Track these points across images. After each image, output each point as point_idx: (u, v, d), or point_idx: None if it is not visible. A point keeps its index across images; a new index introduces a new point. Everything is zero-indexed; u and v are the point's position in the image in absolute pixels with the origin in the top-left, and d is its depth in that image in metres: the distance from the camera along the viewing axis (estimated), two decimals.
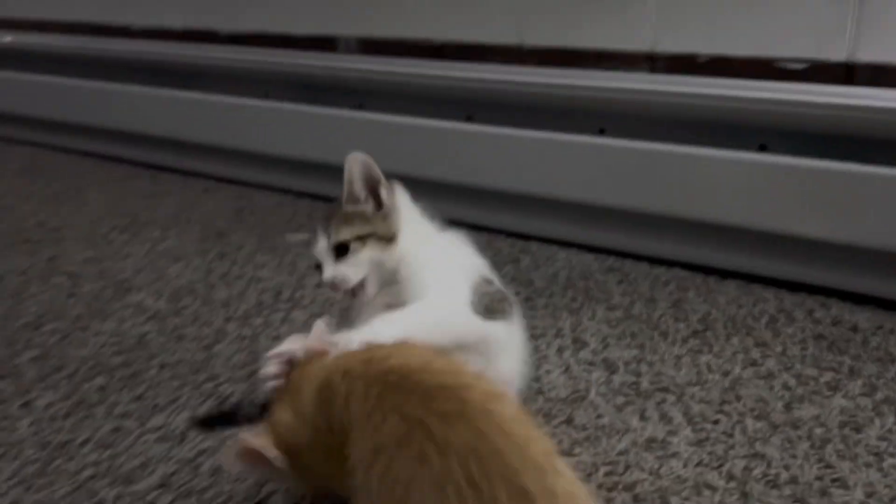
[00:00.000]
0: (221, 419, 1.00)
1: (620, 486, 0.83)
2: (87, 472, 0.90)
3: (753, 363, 1.03)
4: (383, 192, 0.91)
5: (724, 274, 1.27)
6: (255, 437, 0.72)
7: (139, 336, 1.18)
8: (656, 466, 0.85)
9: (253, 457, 0.72)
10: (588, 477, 0.84)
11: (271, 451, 0.71)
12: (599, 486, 0.83)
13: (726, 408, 0.94)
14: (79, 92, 2.02)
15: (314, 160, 1.66)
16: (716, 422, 0.92)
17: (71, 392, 1.05)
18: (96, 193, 1.80)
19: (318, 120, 1.64)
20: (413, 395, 0.65)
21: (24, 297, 1.33)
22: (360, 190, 0.90)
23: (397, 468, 0.60)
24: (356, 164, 0.90)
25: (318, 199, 1.70)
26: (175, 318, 1.23)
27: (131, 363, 1.11)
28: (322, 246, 0.89)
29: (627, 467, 0.85)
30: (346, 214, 0.90)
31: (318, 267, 0.90)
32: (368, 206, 0.91)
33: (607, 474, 0.85)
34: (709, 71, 1.31)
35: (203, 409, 0.99)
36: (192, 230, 1.57)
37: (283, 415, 0.74)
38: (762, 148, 1.23)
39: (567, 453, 0.88)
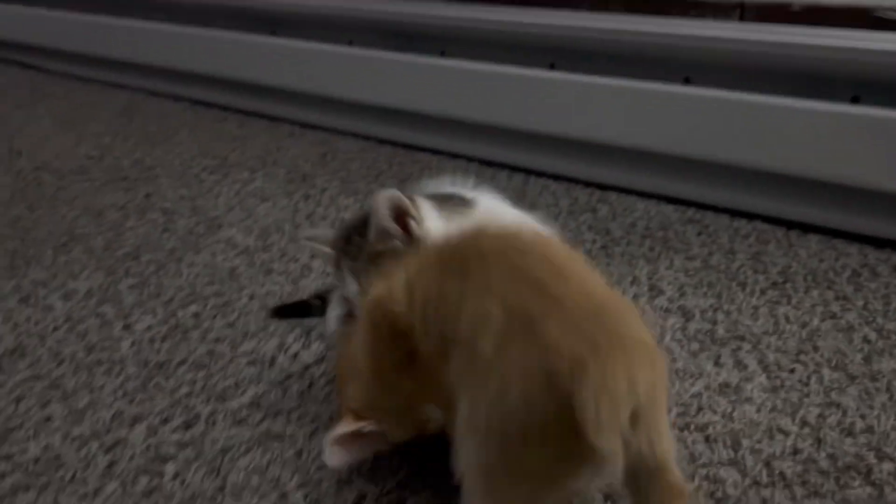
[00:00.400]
0: (294, 309, 1.07)
1: (692, 427, 0.84)
2: (184, 390, 0.97)
3: (833, 316, 1.02)
4: (413, 224, 0.85)
5: (806, 228, 1.25)
6: (339, 426, 0.75)
7: (230, 269, 1.24)
8: (729, 410, 0.86)
9: (349, 441, 0.75)
10: None
11: (358, 424, 0.74)
12: (672, 426, 0.84)
13: (803, 358, 0.94)
14: (173, 38, 2.09)
15: (396, 107, 1.69)
16: (791, 370, 0.92)
17: (167, 317, 1.13)
18: (188, 136, 1.87)
19: (401, 67, 1.66)
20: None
21: (123, 230, 1.41)
22: (391, 227, 0.84)
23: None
24: (385, 203, 0.84)
25: (399, 145, 1.73)
26: (263, 254, 1.28)
27: (223, 293, 1.18)
28: (352, 289, 0.87)
29: (700, 409, 0.87)
30: (376, 254, 0.85)
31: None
32: (398, 240, 0.84)
33: (679, 415, 0.86)
34: (802, 20, 1.27)
35: (290, 338, 1.05)
36: (279, 173, 1.62)
37: (350, 385, 0.77)
38: (855, 100, 1.19)
39: None
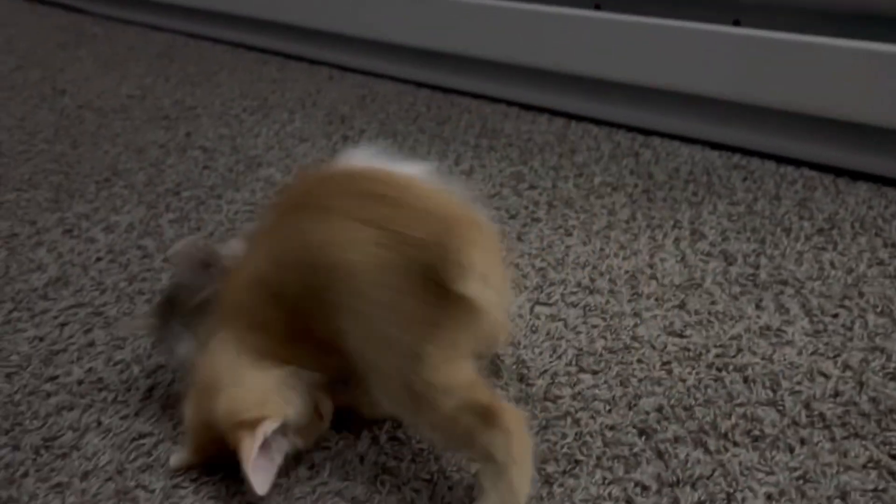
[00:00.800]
0: None
1: (731, 367, 0.83)
2: None
3: (880, 262, 0.99)
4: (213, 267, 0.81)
5: (855, 176, 1.21)
6: (245, 446, 0.67)
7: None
8: (769, 352, 0.85)
9: (263, 457, 0.68)
10: (698, 357, 0.85)
11: (260, 430, 0.67)
12: (709, 366, 0.84)
13: (847, 303, 0.92)
14: None
15: (435, 49, 1.67)
16: (835, 315, 0.90)
17: None
18: (228, 77, 1.87)
19: (440, 6, 1.63)
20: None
21: (164, 167, 1.42)
22: (194, 283, 0.81)
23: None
24: (181, 258, 0.81)
25: (438, 89, 1.71)
26: None
27: None
28: (187, 346, 0.81)
29: (739, 350, 0.86)
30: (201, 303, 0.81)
31: None
32: (210, 284, 0.80)
33: (718, 356, 0.85)
34: None
35: None
36: (318, 114, 1.62)
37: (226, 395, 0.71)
38: None
39: (678, 334, 0.89)
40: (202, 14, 2.17)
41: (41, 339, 0.96)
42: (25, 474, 0.77)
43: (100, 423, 0.82)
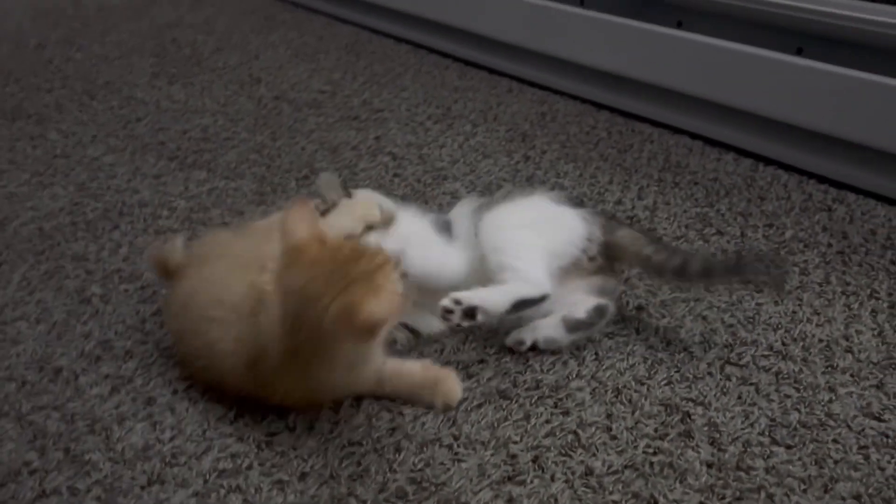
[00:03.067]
0: None
1: None
2: None
3: None
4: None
5: None
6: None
7: None
8: None
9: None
10: None
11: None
12: None
13: None
14: None
15: (621, 73, 1.68)
16: None
17: None
18: (412, 80, 1.94)
19: (633, 33, 1.64)
20: None
21: (357, 169, 1.50)
22: None
23: None
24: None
25: (617, 112, 1.72)
26: None
27: None
28: None
29: None
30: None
31: None
32: None
33: None
34: None
35: None
36: (499, 129, 1.67)
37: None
38: None
39: (876, 417, 0.89)
40: (387, 11, 2.26)
41: None
42: (250, 466, 0.86)
43: (312, 427, 0.91)
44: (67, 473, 0.85)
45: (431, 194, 1.41)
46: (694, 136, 1.59)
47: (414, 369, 0.95)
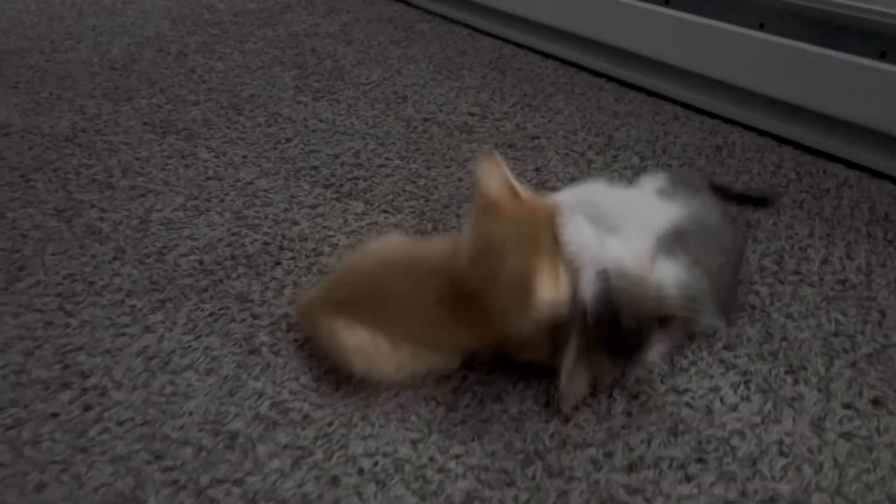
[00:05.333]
0: None
1: None
2: None
3: None
4: None
5: None
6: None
7: None
8: None
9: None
10: None
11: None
12: None
13: None
14: None
15: (810, 107, 1.51)
16: None
17: None
18: (565, 103, 1.83)
19: (825, 62, 1.47)
20: None
21: None
22: None
23: None
24: None
25: (803, 148, 1.56)
26: None
27: None
28: None
29: None
30: None
31: None
32: None
33: None
34: None
35: None
36: (671, 163, 1.53)
37: None
38: None
39: None
40: (533, 25, 2.14)
41: None
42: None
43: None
44: None
45: None
46: None
47: None
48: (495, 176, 0.90)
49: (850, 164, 1.49)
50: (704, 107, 1.75)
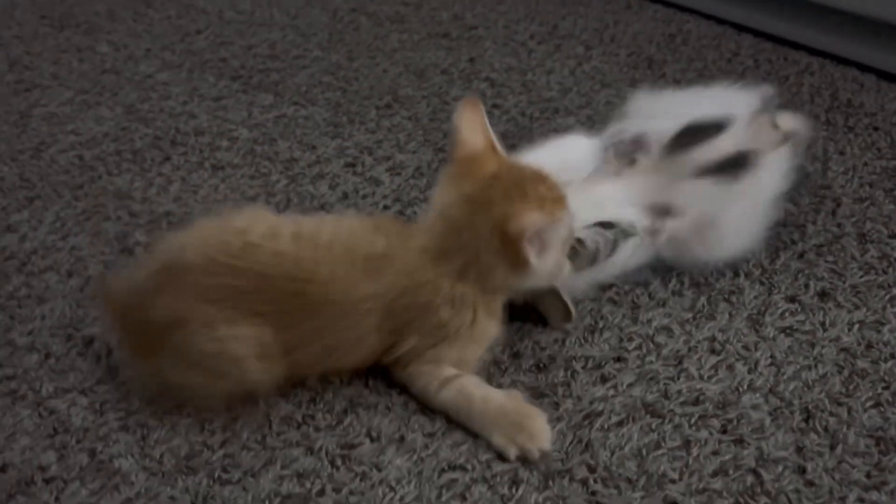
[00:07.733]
0: None
1: None
2: None
3: None
4: None
5: None
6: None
7: None
8: None
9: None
10: None
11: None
12: None
13: None
14: None
15: None
16: None
17: None
18: None
19: None
20: None
21: (448, 98, 1.26)
22: None
23: None
24: None
25: (763, 36, 1.42)
26: None
27: None
28: None
29: None
30: None
31: None
32: None
33: None
34: None
35: None
36: (619, 52, 1.39)
37: None
38: None
39: None
40: None
41: None
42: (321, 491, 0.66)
43: (401, 439, 0.70)
44: (92, 486, 0.66)
45: (539, 130, 1.16)
46: (864, 68, 1.29)
47: (494, 394, 0.71)
48: (476, 128, 0.76)
49: (813, 52, 1.36)
50: None
